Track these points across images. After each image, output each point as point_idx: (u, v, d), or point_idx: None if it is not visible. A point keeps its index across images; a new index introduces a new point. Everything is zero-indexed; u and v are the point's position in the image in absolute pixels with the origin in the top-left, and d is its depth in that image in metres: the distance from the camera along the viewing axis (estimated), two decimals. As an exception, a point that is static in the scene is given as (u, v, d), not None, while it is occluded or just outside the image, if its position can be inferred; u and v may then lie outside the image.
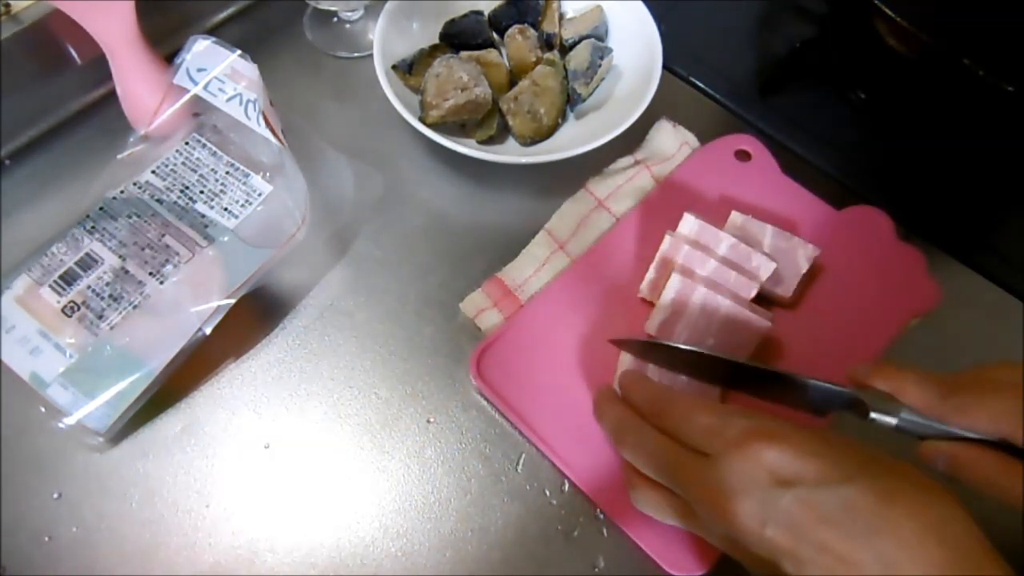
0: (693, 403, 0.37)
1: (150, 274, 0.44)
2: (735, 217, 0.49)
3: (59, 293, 0.43)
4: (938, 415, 0.36)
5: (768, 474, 0.32)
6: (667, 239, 0.47)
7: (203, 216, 0.45)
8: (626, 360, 0.44)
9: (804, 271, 0.47)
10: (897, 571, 0.29)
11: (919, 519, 0.30)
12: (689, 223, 0.47)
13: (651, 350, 0.44)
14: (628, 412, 0.39)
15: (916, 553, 0.29)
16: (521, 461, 0.44)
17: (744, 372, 0.42)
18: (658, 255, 0.47)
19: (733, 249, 0.46)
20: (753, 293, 0.45)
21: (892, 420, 0.37)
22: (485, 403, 0.45)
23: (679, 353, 0.42)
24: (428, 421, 0.45)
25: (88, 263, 0.43)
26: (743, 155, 0.54)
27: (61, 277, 0.43)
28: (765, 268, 0.46)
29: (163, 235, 0.45)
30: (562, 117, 0.54)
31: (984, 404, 0.35)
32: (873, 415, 0.37)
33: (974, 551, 0.30)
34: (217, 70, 0.45)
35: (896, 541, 0.30)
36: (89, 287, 0.43)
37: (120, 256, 0.44)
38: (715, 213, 0.49)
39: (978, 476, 0.35)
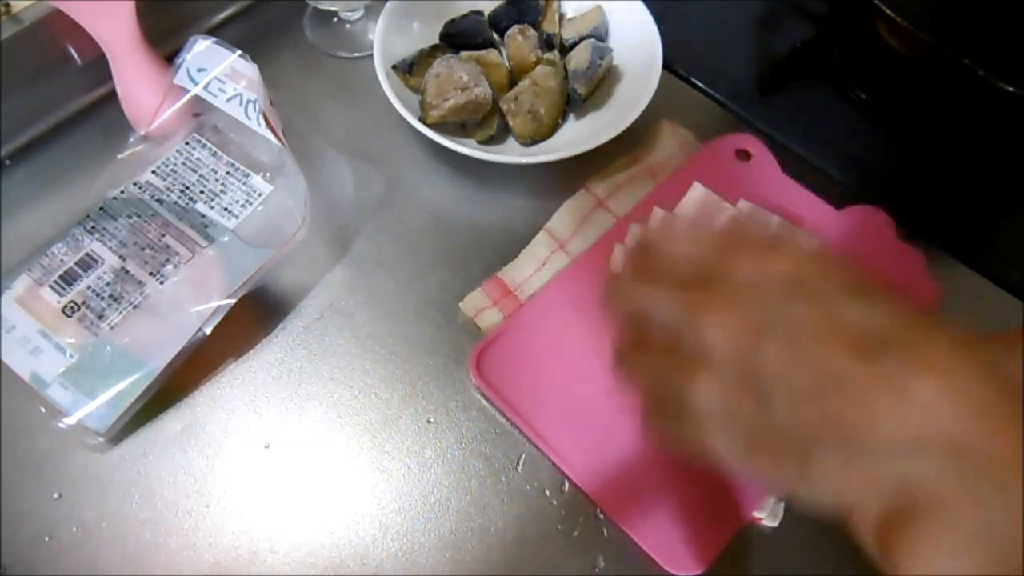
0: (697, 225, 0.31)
1: (150, 274, 0.44)
2: (742, 205, 0.49)
3: (59, 293, 0.43)
4: None
5: (783, 282, 0.26)
6: (656, 213, 0.48)
7: (203, 216, 0.45)
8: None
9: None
10: (912, 398, 0.23)
11: (960, 351, 0.24)
12: (698, 191, 0.49)
13: None
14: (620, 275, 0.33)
15: (944, 385, 0.23)
16: (521, 461, 0.44)
17: None
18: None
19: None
20: None
21: None
22: (485, 403, 0.45)
23: None
24: (428, 421, 0.45)
25: (88, 263, 0.43)
26: (743, 155, 0.54)
27: (61, 277, 0.43)
28: None
29: (163, 235, 0.45)
30: (562, 117, 0.54)
31: None
32: None
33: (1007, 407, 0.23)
34: (217, 70, 0.45)
35: (921, 368, 0.23)
36: (89, 287, 0.43)
37: (120, 256, 0.44)
38: (715, 213, 0.49)
39: None
